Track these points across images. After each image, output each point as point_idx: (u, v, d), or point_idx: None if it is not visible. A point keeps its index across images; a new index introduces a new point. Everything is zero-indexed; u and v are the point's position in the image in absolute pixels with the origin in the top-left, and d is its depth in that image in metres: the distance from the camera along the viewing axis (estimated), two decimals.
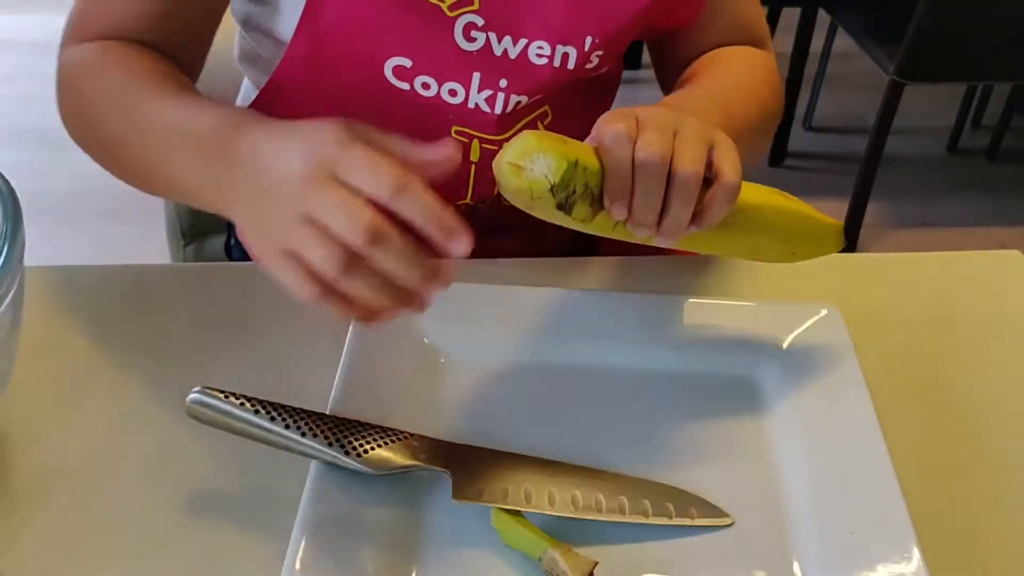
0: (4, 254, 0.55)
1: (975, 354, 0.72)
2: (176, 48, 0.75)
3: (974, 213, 2.41)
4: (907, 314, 0.75)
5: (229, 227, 1.02)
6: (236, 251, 0.99)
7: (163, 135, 0.66)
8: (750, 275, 0.78)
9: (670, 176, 0.58)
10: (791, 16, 2.41)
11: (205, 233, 1.09)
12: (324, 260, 0.52)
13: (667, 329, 0.69)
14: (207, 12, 0.78)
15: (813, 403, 0.64)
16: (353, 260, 0.52)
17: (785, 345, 0.68)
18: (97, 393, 0.66)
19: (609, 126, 0.59)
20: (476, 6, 0.73)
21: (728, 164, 0.60)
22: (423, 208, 0.52)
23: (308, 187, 0.53)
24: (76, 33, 0.76)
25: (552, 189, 0.57)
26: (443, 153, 0.55)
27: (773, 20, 2.66)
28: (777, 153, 2.54)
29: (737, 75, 0.80)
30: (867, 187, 2.11)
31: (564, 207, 0.58)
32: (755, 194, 0.65)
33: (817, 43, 2.44)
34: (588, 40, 0.75)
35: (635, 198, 0.59)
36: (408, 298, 0.54)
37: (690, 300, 0.70)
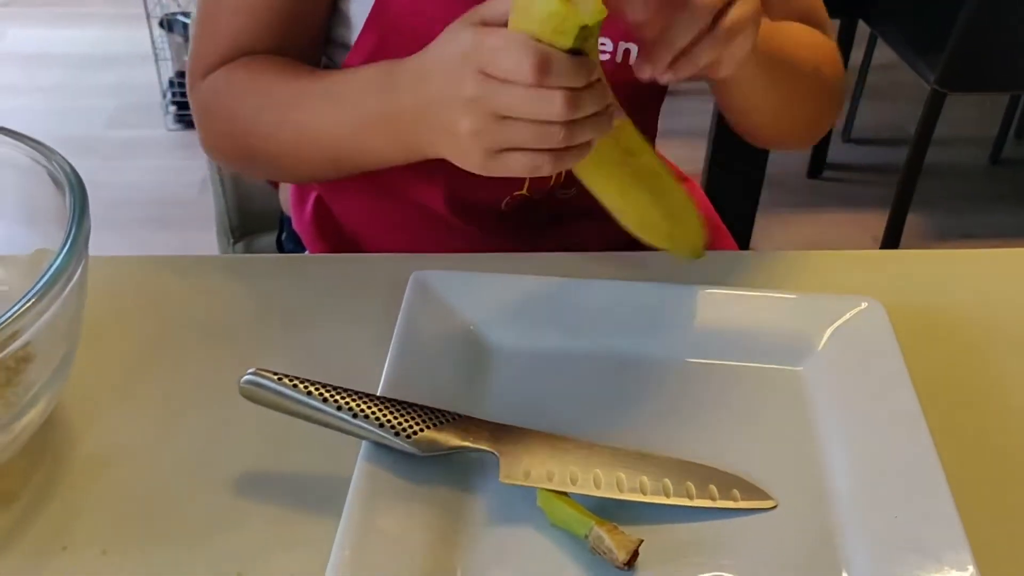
0: (72, 237, 0.57)
1: (1017, 346, 0.73)
2: (292, 48, 0.77)
3: (1016, 224, 2.38)
4: (948, 308, 0.76)
5: (281, 223, 1.03)
6: (288, 245, 1.01)
7: (347, 106, 0.70)
8: (790, 271, 0.79)
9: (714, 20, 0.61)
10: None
11: (253, 231, 1.12)
12: (541, 134, 0.58)
13: (710, 319, 0.70)
14: (316, 5, 0.79)
15: (855, 389, 0.64)
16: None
17: (827, 334, 0.68)
18: (154, 375, 0.68)
19: None
20: None
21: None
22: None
23: (480, 85, 0.59)
24: (200, 69, 0.78)
25: (583, 27, 0.57)
26: None
27: None
28: (816, 164, 2.53)
29: (795, 33, 0.82)
30: (907, 198, 2.09)
31: (578, 50, 0.58)
32: (656, 158, 0.68)
33: (857, 55, 2.43)
34: None
35: (674, 27, 0.61)
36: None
37: (733, 292, 0.71)
